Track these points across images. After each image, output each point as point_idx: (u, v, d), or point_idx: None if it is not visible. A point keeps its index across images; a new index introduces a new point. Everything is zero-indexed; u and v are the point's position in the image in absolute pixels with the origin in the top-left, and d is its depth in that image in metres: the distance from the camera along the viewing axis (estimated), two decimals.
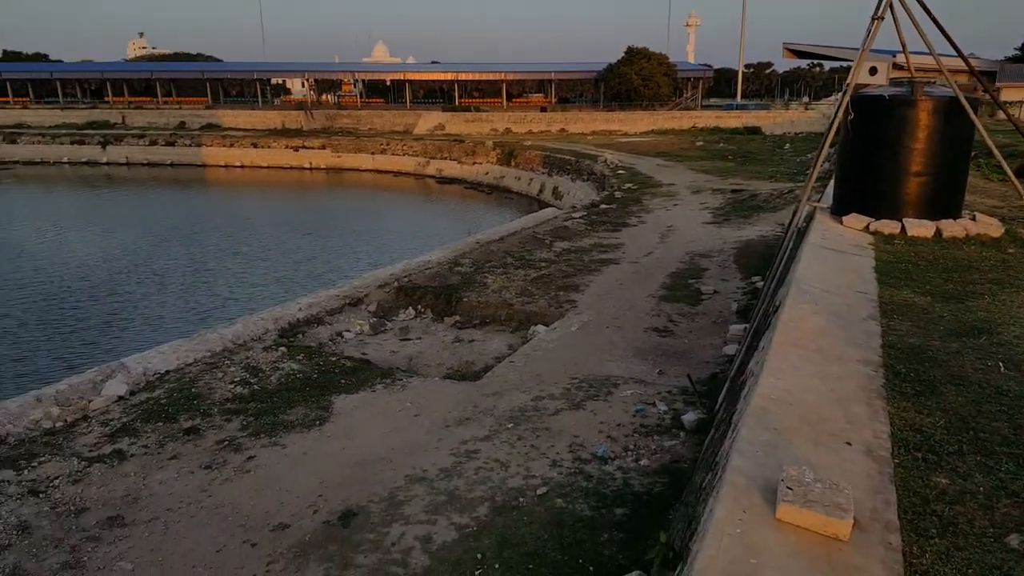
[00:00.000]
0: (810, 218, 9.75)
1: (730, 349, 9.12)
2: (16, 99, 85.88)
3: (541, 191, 44.14)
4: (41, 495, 5.87)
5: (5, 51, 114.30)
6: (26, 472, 6.24)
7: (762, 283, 11.36)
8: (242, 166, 67.34)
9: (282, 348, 9.62)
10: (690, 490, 4.87)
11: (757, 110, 65.78)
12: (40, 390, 7.87)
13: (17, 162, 69.39)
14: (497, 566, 4.94)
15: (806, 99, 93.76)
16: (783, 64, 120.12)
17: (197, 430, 7.05)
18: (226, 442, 6.79)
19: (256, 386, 8.23)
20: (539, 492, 5.85)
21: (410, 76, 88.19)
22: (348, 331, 11.15)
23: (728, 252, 15.14)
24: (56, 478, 6.12)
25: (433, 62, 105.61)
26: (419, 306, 12.40)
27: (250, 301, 24.65)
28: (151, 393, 7.90)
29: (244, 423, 7.23)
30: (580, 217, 19.81)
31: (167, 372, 8.51)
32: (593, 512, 5.56)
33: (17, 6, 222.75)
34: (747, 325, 8.39)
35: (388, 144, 65.10)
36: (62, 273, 27.58)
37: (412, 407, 7.74)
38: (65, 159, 69.80)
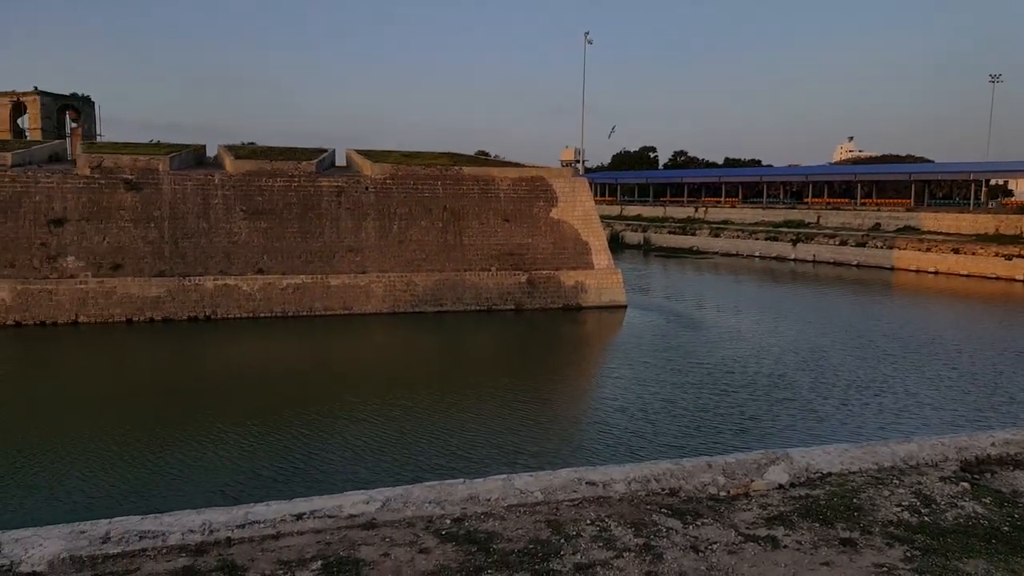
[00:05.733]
0: None
1: None
2: (727, 199, 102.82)
3: None
4: (700, 553, 6.67)
5: (727, 158, 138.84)
6: (690, 528, 7.20)
7: None
8: (936, 272, 64.42)
9: (964, 483, 8.67)
10: None
11: None
12: (712, 457, 9.03)
13: (716, 252, 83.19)
14: None
15: None
16: None
17: (854, 543, 6.89)
18: (885, 568, 6.42)
19: (927, 518, 7.59)
20: None
21: None
22: None
23: None
24: (714, 543, 6.86)
25: None
26: None
27: (920, 421, 23.06)
28: (811, 490, 8.13)
29: (908, 555, 6.72)
30: None
31: (829, 474, 8.64)
32: None
33: (697, 122, 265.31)
34: None
35: None
36: (731, 359, 31.28)
37: None
38: (757, 253, 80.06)
